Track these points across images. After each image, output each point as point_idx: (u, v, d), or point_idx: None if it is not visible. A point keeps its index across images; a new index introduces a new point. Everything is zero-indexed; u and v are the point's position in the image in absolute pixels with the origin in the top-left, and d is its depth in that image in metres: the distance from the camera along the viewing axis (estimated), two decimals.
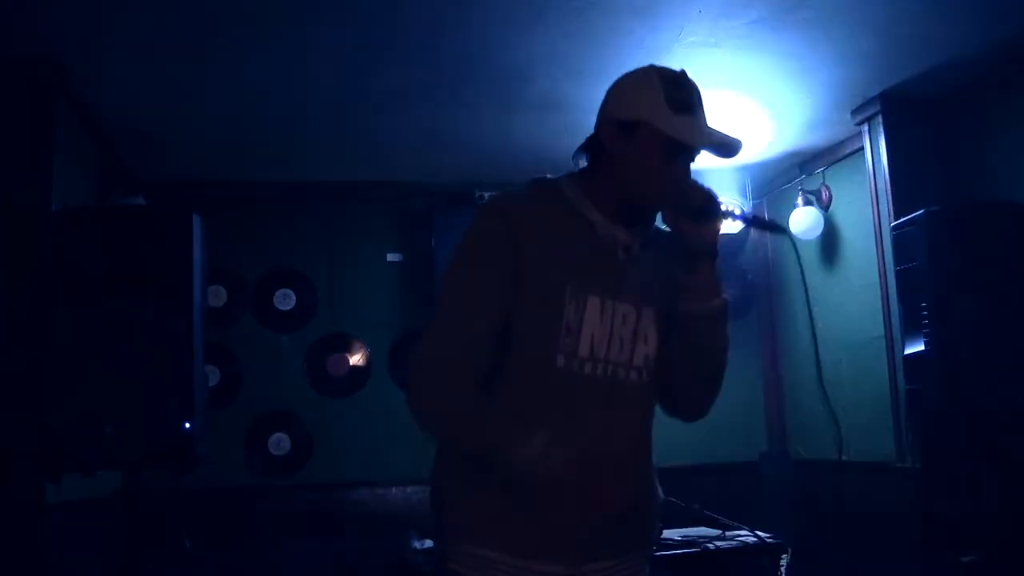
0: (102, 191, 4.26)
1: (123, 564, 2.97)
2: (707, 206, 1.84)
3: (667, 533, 3.43)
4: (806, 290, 4.74)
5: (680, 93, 1.84)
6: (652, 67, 1.90)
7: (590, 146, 1.95)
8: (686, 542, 3.40)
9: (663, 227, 1.94)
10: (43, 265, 3.06)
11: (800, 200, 4.96)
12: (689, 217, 1.85)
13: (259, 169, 4.92)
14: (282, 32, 3.33)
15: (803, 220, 4.91)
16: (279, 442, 4.93)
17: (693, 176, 1.92)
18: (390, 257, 5.23)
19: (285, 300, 5.08)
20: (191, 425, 2.98)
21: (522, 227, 1.83)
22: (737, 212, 2.06)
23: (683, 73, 1.89)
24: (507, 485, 1.76)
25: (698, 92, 1.89)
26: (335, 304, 5.13)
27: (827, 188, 4.94)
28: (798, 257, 2.29)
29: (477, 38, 3.44)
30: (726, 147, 1.86)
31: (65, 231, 3.09)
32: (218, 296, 4.94)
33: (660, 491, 2.01)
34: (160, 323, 3.00)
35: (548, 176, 1.98)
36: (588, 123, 1.96)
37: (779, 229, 2.12)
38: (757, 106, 4.22)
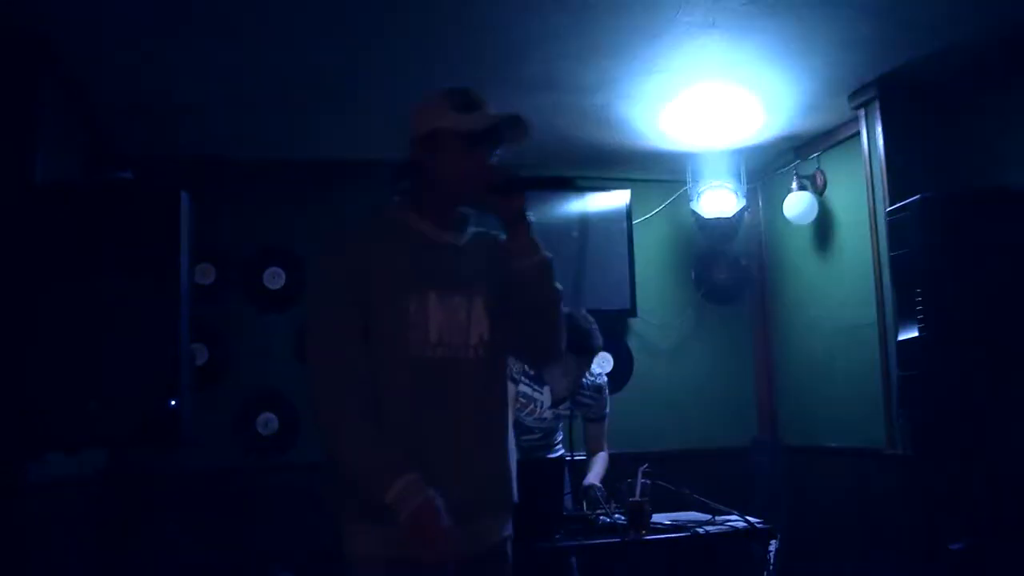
0: (89, 166, 4.20)
1: (106, 544, 2.94)
2: (508, 181, 2.16)
3: (657, 517, 3.43)
4: None
5: (462, 98, 2.17)
6: (440, 90, 2.21)
7: (407, 171, 2.24)
8: (676, 526, 3.39)
9: (481, 230, 2.29)
10: (27, 240, 3.01)
11: (794, 184, 4.93)
12: (497, 194, 2.16)
13: (250, 147, 4.87)
14: (275, 6, 3.28)
15: (797, 205, 4.89)
16: (267, 422, 4.90)
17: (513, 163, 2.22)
18: None
19: (274, 279, 5.03)
20: (177, 403, 2.95)
21: (361, 255, 2.14)
22: (532, 179, 2.22)
23: (464, 87, 2.20)
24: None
25: (479, 97, 2.18)
26: None
27: (822, 173, 4.91)
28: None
29: (473, 15, 3.39)
30: (515, 126, 2.19)
31: (50, 206, 3.05)
32: (206, 274, 4.89)
33: (513, 457, 2.28)
34: (146, 300, 2.97)
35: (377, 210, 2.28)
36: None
37: (566, 182, 2.40)
38: (753, 89, 4.17)
